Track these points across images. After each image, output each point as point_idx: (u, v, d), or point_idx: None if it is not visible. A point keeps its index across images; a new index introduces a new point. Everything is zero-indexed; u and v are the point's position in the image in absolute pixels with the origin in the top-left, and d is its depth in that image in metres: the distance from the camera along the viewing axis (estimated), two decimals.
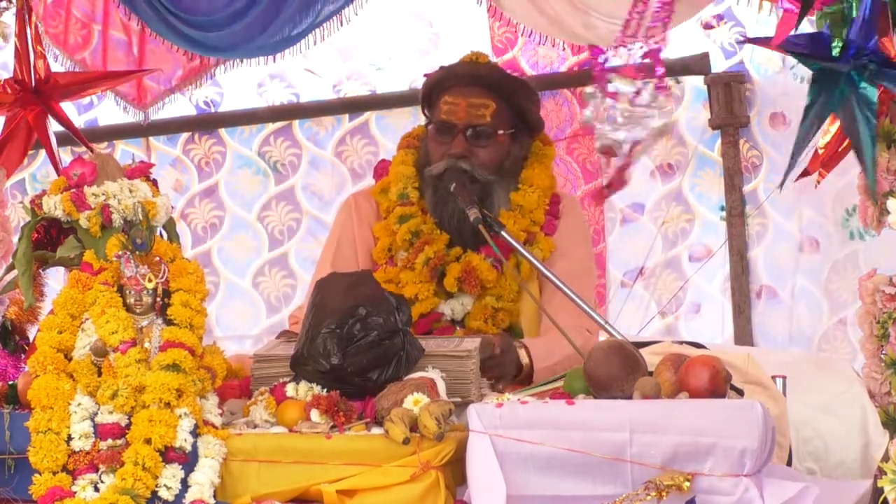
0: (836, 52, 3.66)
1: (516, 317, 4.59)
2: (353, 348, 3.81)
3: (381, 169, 4.81)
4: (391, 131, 6.53)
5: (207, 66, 5.35)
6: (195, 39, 5.14)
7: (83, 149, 5.06)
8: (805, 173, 3.97)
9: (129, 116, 6.06)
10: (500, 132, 4.61)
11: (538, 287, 4.58)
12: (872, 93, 3.67)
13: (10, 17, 5.02)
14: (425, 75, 4.77)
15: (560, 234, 4.66)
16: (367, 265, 4.66)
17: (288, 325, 4.80)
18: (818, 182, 4.05)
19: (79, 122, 6.45)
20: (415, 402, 3.66)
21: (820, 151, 3.96)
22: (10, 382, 4.05)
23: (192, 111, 6.72)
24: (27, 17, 4.89)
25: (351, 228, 4.74)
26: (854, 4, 3.64)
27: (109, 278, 3.82)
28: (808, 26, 3.90)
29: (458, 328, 4.54)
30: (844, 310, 6.26)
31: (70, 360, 3.78)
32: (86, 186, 3.88)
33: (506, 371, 4.24)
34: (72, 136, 5.07)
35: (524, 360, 4.34)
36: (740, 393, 3.77)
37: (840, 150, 3.92)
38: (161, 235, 3.97)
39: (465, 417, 3.68)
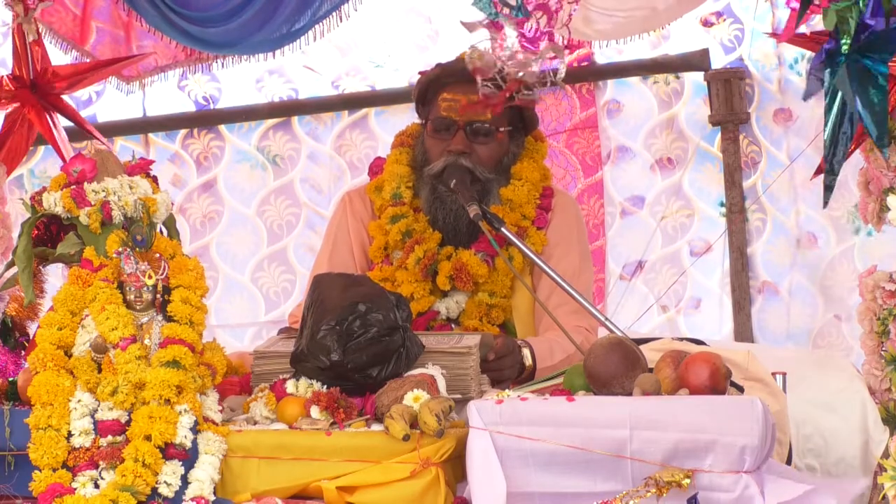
0: (844, 48, 3.67)
1: (510, 313, 4.58)
2: (353, 345, 3.80)
3: (376, 167, 4.80)
4: (390, 127, 6.52)
5: (201, 56, 5.34)
6: (194, 35, 5.14)
7: (83, 145, 5.05)
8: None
9: (127, 112, 6.07)
10: (500, 129, 4.60)
11: (532, 284, 4.57)
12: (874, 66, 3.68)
13: (7, 14, 5.02)
14: (420, 73, 4.75)
15: (553, 231, 4.64)
16: (363, 262, 4.66)
17: (288, 323, 4.79)
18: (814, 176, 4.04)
19: None
20: (415, 398, 3.66)
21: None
22: (10, 379, 4.05)
23: (191, 107, 6.71)
24: (24, 12, 4.88)
25: (346, 226, 4.73)
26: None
27: (109, 275, 3.82)
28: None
29: (454, 326, 4.54)
30: (840, 306, 6.26)
31: (70, 356, 3.77)
32: (86, 183, 3.87)
33: (504, 375, 4.22)
34: (79, 129, 5.08)
35: (528, 360, 4.32)
36: (740, 390, 3.77)
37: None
38: (161, 232, 3.96)
39: (465, 414, 3.68)
